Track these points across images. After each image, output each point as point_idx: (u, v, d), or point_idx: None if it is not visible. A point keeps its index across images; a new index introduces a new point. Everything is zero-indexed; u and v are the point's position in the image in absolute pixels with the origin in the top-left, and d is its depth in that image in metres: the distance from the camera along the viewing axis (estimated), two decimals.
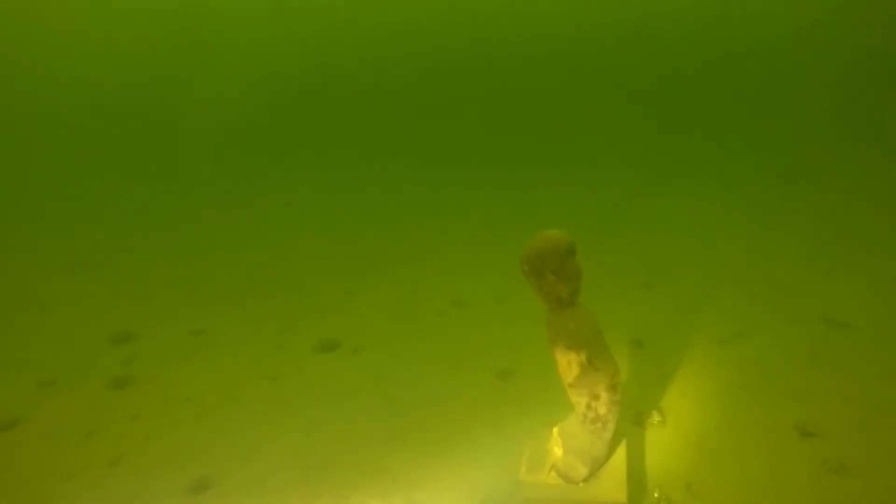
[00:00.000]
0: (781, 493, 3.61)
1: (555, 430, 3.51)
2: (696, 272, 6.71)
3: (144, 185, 12.15)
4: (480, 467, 4.00)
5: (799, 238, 7.32)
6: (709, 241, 7.59)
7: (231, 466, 4.21)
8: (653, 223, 8.54)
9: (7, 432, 4.81)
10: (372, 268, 7.46)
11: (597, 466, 3.36)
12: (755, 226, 7.88)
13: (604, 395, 3.16)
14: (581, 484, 3.32)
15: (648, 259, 7.23)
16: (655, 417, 4.32)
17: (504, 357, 5.24)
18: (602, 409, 3.19)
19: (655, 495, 3.62)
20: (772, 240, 7.37)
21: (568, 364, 3.01)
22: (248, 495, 3.94)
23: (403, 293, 6.74)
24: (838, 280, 6.19)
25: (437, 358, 5.39)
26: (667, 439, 4.12)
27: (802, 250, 6.97)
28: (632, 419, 4.33)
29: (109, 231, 9.50)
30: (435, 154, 13.19)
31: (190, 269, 7.86)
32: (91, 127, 15.18)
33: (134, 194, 11.53)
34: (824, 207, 8.25)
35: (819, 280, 6.23)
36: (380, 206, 9.85)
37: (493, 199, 10.10)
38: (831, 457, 3.83)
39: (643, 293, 6.33)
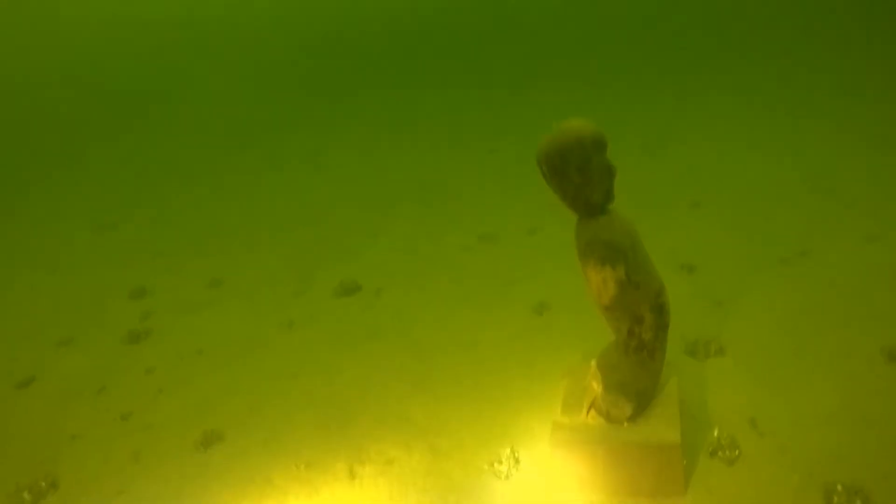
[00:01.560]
0: (865, 427, 3.06)
1: (593, 362, 3.02)
2: (750, 187, 6.00)
3: (160, 141, 11.85)
4: (512, 410, 3.56)
5: (870, 149, 6.47)
6: (764, 152, 6.80)
7: (244, 419, 3.90)
8: (701, 133, 7.73)
9: (22, 390, 4.63)
10: (395, 210, 6.99)
11: (644, 402, 2.87)
12: (820, 134, 7.03)
13: (648, 318, 2.64)
14: (626, 423, 2.85)
15: (697, 174, 6.52)
16: (713, 347, 3.78)
17: (538, 291, 4.75)
18: (647, 335, 2.68)
19: (715, 434, 3.12)
20: (839, 150, 6.54)
21: (603, 281, 2.50)
22: (261, 448, 3.62)
23: (428, 232, 6.27)
24: None
25: (464, 296, 4.94)
26: (726, 371, 3.60)
27: (875, 162, 6.15)
28: (685, 350, 3.81)
29: (128, 190, 9.26)
30: (452, 89, 12.43)
31: (208, 220, 7.55)
32: (101, 92, 15.00)
33: (151, 152, 11.25)
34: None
35: (894, 192, 5.46)
36: (399, 149, 9.31)
37: (519, 124, 9.37)
38: None
39: (692, 212, 5.69)
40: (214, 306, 5.46)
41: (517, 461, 3.19)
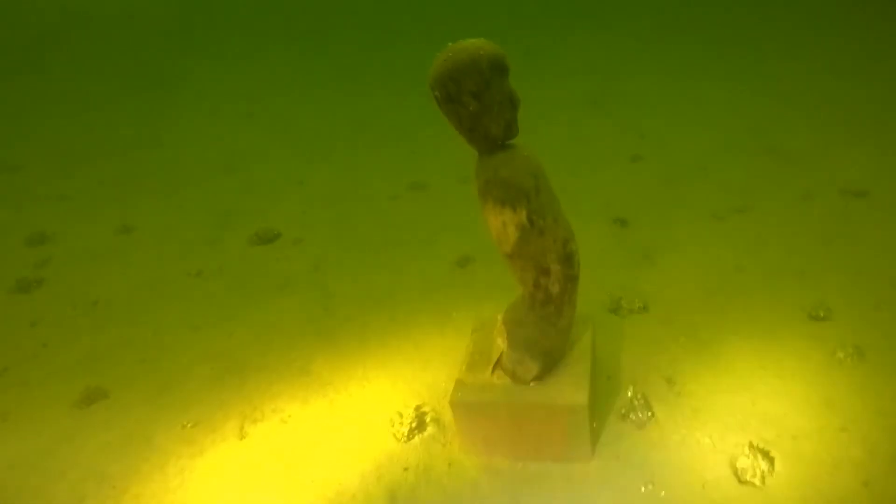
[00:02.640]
0: (785, 385, 2.93)
1: (499, 316, 2.79)
2: (691, 143, 5.83)
3: (77, 76, 10.96)
4: (421, 366, 3.33)
5: (809, 107, 6.35)
6: (709, 109, 6.63)
7: (134, 374, 3.57)
8: (648, 88, 7.52)
9: None
10: (325, 157, 6.59)
11: (551, 362, 2.66)
12: (760, 94, 6.88)
13: (555, 269, 2.40)
14: (532, 383, 2.63)
15: (639, 128, 6.31)
16: (636, 303, 3.60)
17: (464, 243, 4.48)
18: (554, 288, 2.44)
19: (629, 394, 2.95)
20: (778, 109, 6.41)
21: (502, 226, 2.23)
22: (147, 406, 3.31)
23: (357, 180, 5.92)
24: (854, 148, 5.31)
25: (385, 247, 4.65)
26: (648, 329, 3.43)
27: (814, 120, 6.03)
28: (608, 307, 3.62)
29: (39, 128, 8.54)
30: (395, 36, 11.85)
31: (126, 164, 6.99)
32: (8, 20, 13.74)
33: (67, 87, 10.40)
34: (838, 75, 7.19)
35: (833, 150, 5.35)
36: (336, 97, 8.82)
37: None
38: (846, 342, 3.14)
39: (631, 166, 5.49)
40: (120, 254, 5.03)
41: (420, 421, 2.97)
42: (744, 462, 2.54)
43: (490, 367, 2.73)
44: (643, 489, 2.54)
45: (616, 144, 5.98)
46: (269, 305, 4.08)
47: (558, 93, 7.74)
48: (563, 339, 2.65)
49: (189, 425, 3.13)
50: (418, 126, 6.98)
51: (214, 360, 3.60)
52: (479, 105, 2.10)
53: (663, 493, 2.52)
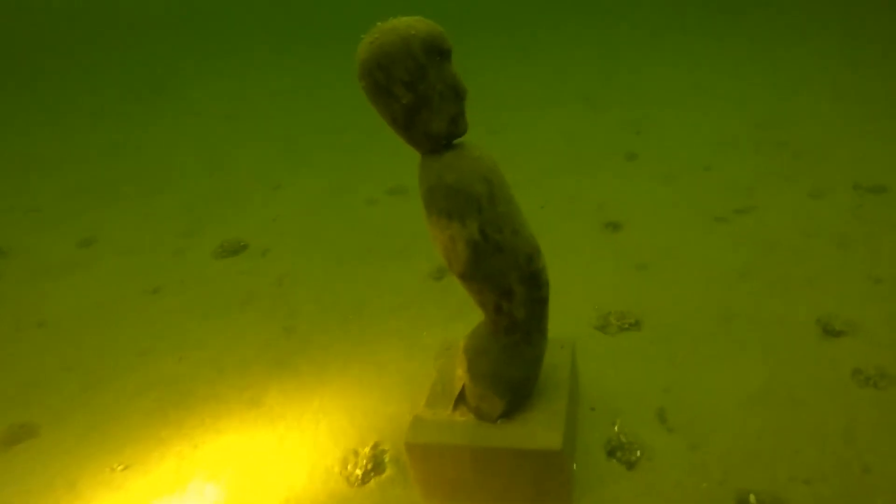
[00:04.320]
0: (797, 414, 2.54)
1: (461, 343, 2.41)
2: (691, 139, 5.43)
3: (52, 84, 10.70)
4: (383, 397, 2.96)
5: (820, 98, 5.94)
6: (709, 101, 6.23)
7: (69, 407, 3.22)
8: (645, 81, 7.13)
9: None
10: (303, 160, 6.25)
11: (520, 396, 2.28)
12: (766, 85, 6.47)
13: (519, 291, 2.01)
14: (499, 422, 2.25)
15: (637, 124, 5.93)
16: (627, 319, 3.22)
17: None
18: (519, 313, 2.06)
19: (616, 428, 2.56)
20: (786, 100, 6.00)
21: (451, 241, 1.85)
22: (77, 445, 2.95)
23: (334, 184, 5.55)
24: (870, 140, 4.89)
25: (358, 256, 4.28)
26: (639, 349, 3.04)
27: (825, 111, 5.62)
28: (595, 323, 3.23)
29: (10, 137, 8.26)
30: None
31: (97, 171, 6.68)
32: None
33: (39, 96, 10.15)
34: (850, 63, 6.76)
35: (846, 143, 4.93)
36: (318, 97, 8.47)
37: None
38: (868, 361, 2.73)
39: (626, 165, 5.09)
40: (78, 270, 4.69)
41: (377, 461, 2.60)
42: None
43: (452, 402, 2.36)
44: None
45: (610, 142, 5.59)
46: (226, 326, 3.72)
47: (548, 88, 7.37)
48: (533, 370, 2.27)
49: (119, 468, 2.77)
50: None
51: (159, 390, 3.24)
52: (415, 97, 1.73)
53: None
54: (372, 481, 2.53)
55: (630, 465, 2.43)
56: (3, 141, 8.17)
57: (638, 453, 2.45)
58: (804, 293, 3.27)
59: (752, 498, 2.19)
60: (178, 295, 4.14)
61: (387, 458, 2.62)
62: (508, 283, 1.99)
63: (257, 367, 3.30)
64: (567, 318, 3.30)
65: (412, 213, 4.78)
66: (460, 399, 2.35)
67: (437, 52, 1.73)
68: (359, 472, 2.57)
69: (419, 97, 1.73)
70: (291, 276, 4.15)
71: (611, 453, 2.48)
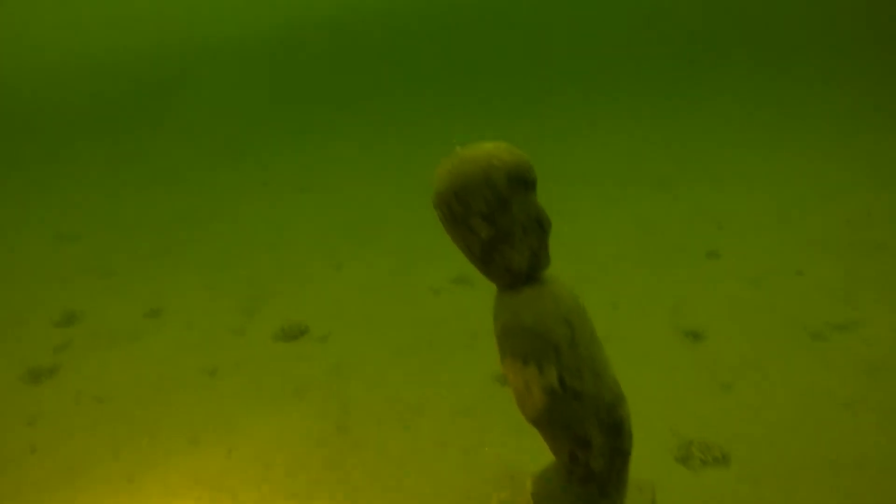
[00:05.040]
0: None
1: (528, 482, 2.16)
2: (780, 237, 5.07)
3: (146, 147, 11.30)
4: None
5: None
6: (794, 193, 5.85)
7: (111, 498, 3.11)
8: (724, 172, 6.81)
9: None
10: (370, 238, 6.22)
11: None
12: (860, 176, 6.05)
13: (598, 440, 1.78)
14: None
15: (718, 216, 5.60)
16: (713, 451, 2.88)
17: None
18: (597, 464, 1.82)
19: None
20: (881, 193, 5.56)
21: (525, 387, 1.65)
22: None
23: (399, 267, 5.46)
24: None
25: (418, 349, 4.11)
26: (730, 490, 2.68)
27: None
28: (675, 454, 2.91)
29: (100, 199, 8.69)
30: (444, 99, 11.63)
31: (161, 240, 6.86)
32: (85, 93, 14.44)
33: (136, 158, 10.72)
34: None
35: None
36: (390, 173, 8.56)
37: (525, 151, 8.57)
38: None
39: (707, 264, 4.77)
40: (141, 341, 4.72)
41: None
42: None
43: None
44: None
45: (688, 236, 5.30)
46: (278, 417, 3.58)
47: (618, 166, 7.17)
48: None
49: None
50: None
51: (203, 488, 3.10)
52: (495, 230, 1.58)
53: None
54: None
55: None
56: (88, 201, 8.60)
57: None
58: None
59: None
60: (233, 377, 4.07)
61: None
62: (586, 432, 1.76)
63: (306, 469, 3.13)
64: (643, 442, 2.99)
65: (477, 306, 4.60)
66: None
67: (521, 183, 1.59)
68: None
69: (500, 231, 1.59)
70: (349, 366, 4.01)
71: None
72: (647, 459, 2.89)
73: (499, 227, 1.58)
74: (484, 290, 4.86)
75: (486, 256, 1.63)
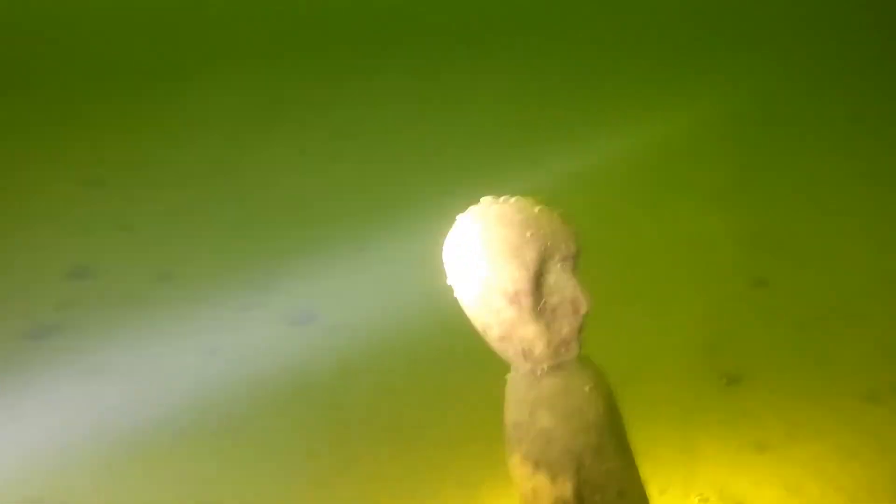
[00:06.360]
0: None
1: None
2: (840, 271, 4.60)
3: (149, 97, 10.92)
4: None
5: None
6: (857, 225, 5.28)
7: None
8: (782, 188, 6.20)
9: None
10: (395, 217, 5.90)
11: None
12: None
13: None
14: None
15: (766, 240, 5.09)
16: None
17: None
18: None
19: None
20: None
21: (532, 493, 1.37)
22: None
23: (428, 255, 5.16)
24: None
25: (434, 357, 3.81)
26: None
27: None
28: None
29: (134, 148, 8.45)
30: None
31: (182, 198, 6.61)
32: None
33: (142, 112, 10.42)
34: None
35: None
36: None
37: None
38: None
39: (751, 294, 4.35)
40: (147, 309, 4.53)
41: None
42: None
43: None
44: None
45: (733, 258, 4.84)
46: (274, 419, 3.38)
47: (667, 173, 6.66)
48: None
49: None
50: None
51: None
52: (517, 314, 1.27)
53: None
54: None
55: None
56: (119, 147, 8.38)
57: None
58: None
59: None
60: (233, 363, 3.87)
61: None
62: None
63: (297, 483, 2.92)
64: None
65: None
66: None
67: (560, 257, 1.27)
68: None
69: (524, 312, 1.27)
70: (355, 368, 3.77)
71: None
72: None
73: (524, 308, 1.27)
74: None
75: (505, 336, 1.33)
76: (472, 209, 1.32)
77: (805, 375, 3.51)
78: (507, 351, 1.37)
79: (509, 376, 1.45)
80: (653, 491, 2.84)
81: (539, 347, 1.33)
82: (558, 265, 1.29)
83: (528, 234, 1.23)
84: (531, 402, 1.36)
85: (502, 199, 1.31)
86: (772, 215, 5.58)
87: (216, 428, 3.36)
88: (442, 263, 1.35)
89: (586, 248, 1.33)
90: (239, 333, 4.17)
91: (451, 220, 1.35)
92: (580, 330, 1.36)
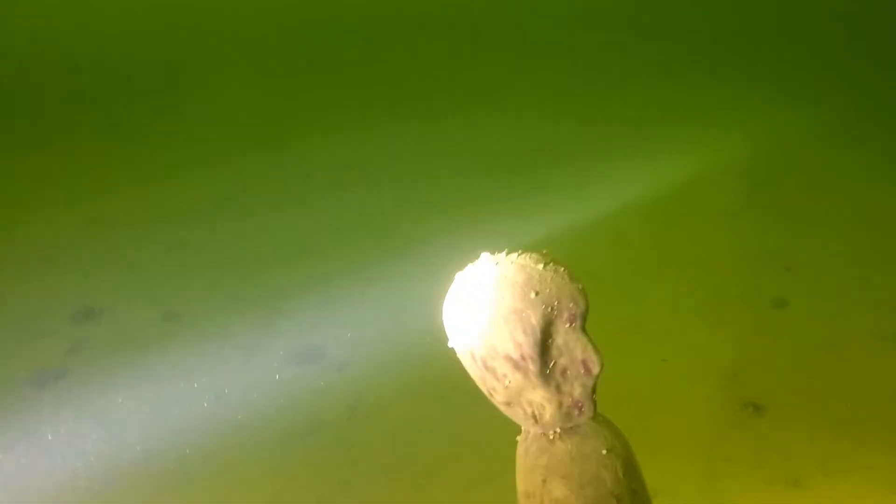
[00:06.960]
0: None
1: None
2: (866, 290, 4.43)
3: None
4: None
5: None
6: (882, 243, 5.14)
7: None
8: (799, 200, 6.02)
9: None
10: (402, 249, 5.81)
11: None
12: None
13: None
14: None
15: (786, 258, 4.90)
16: None
17: None
18: None
19: None
20: None
21: None
22: None
23: (437, 288, 5.07)
24: None
25: (447, 395, 3.66)
26: None
27: None
28: None
29: (137, 187, 8.45)
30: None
31: (189, 233, 6.59)
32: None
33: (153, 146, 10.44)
34: None
35: None
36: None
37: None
38: None
39: (771, 316, 4.19)
40: (154, 350, 4.47)
41: None
42: None
43: None
44: None
45: (752, 278, 4.70)
46: (281, 461, 3.27)
47: (680, 192, 6.52)
48: None
49: None
50: None
51: None
52: (523, 378, 1.18)
53: None
54: None
55: None
56: (127, 184, 8.37)
57: None
58: None
59: None
60: (237, 406, 3.78)
61: None
62: None
63: None
64: None
65: None
66: None
67: (565, 317, 1.17)
68: None
69: (529, 381, 1.18)
70: (365, 408, 3.66)
71: None
72: None
73: (529, 374, 1.17)
74: None
75: (512, 399, 1.23)
76: (471, 269, 1.24)
77: (835, 401, 3.36)
78: (516, 415, 1.27)
79: (519, 438, 1.35)
80: None
81: (549, 411, 1.23)
82: (566, 325, 1.19)
83: (532, 296, 1.14)
84: (543, 469, 1.26)
85: (503, 255, 1.22)
86: (789, 233, 5.42)
87: (223, 473, 3.27)
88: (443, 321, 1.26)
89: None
90: (245, 374, 4.08)
91: (455, 266, 1.27)
92: (594, 390, 1.26)
